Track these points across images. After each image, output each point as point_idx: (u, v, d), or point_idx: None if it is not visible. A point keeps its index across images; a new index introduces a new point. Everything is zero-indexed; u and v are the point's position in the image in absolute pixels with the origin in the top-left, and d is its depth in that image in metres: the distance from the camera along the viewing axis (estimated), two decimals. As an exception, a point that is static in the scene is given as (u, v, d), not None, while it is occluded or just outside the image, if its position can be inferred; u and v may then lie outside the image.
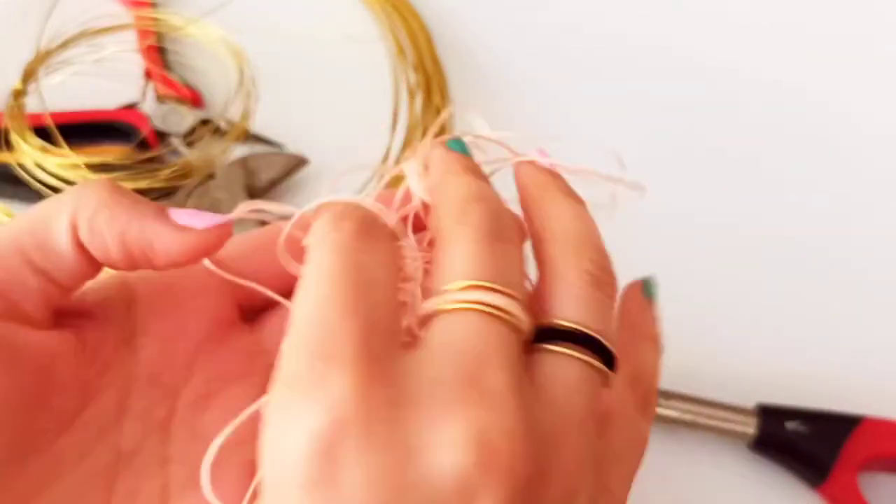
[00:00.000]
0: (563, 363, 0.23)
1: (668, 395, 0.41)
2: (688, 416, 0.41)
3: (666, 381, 0.42)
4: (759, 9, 0.55)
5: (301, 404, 0.20)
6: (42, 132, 0.43)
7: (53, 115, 0.43)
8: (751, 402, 0.42)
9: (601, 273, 0.25)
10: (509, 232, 0.24)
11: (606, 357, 0.24)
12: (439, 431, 0.20)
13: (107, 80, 0.45)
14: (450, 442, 0.20)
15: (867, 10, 0.56)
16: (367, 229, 0.24)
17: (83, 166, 0.42)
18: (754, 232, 0.48)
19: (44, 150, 0.43)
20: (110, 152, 0.45)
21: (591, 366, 0.24)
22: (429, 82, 0.49)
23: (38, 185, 0.42)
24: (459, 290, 0.23)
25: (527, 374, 0.23)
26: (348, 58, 0.50)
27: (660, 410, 0.41)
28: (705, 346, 0.44)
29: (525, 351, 0.23)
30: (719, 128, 0.51)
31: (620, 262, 0.47)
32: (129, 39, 0.48)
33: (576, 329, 0.24)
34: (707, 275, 0.46)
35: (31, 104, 0.44)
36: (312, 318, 0.22)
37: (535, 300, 0.25)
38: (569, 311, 0.24)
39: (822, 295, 0.46)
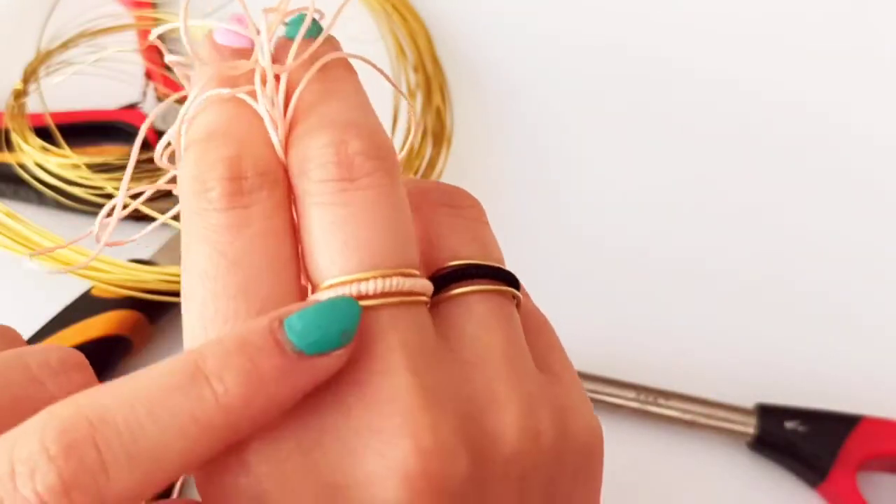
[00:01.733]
0: (466, 306, 0.22)
1: (668, 395, 0.41)
2: (687, 416, 0.41)
3: (666, 381, 0.42)
4: (761, 20, 0.55)
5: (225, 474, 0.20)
6: (42, 132, 0.43)
7: (54, 115, 0.43)
8: (750, 401, 0.42)
9: (451, 201, 0.23)
10: (369, 178, 0.21)
11: (504, 279, 0.23)
12: (361, 467, 0.19)
13: (107, 80, 0.45)
14: (376, 479, 0.19)
15: (868, 24, 0.56)
16: (237, 190, 0.20)
17: (83, 166, 0.42)
18: (754, 232, 0.48)
19: (44, 150, 0.43)
20: (110, 152, 0.45)
21: (493, 292, 0.22)
22: (429, 82, 0.49)
23: (39, 185, 0.42)
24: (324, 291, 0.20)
25: (441, 334, 0.21)
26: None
27: (660, 410, 0.41)
28: (705, 346, 0.44)
29: (432, 306, 0.22)
30: (718, 136, 0.51)
31: (621, 262, 0.47)
32: (130, 39, 0.48)
33: (463, 265, 0.22)
34: (707, 275, 0.46)
35: (32, 104, 0.44)
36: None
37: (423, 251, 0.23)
38: (448, 250, 0.22)
39: (821, 295, 0.46)
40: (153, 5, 0.50)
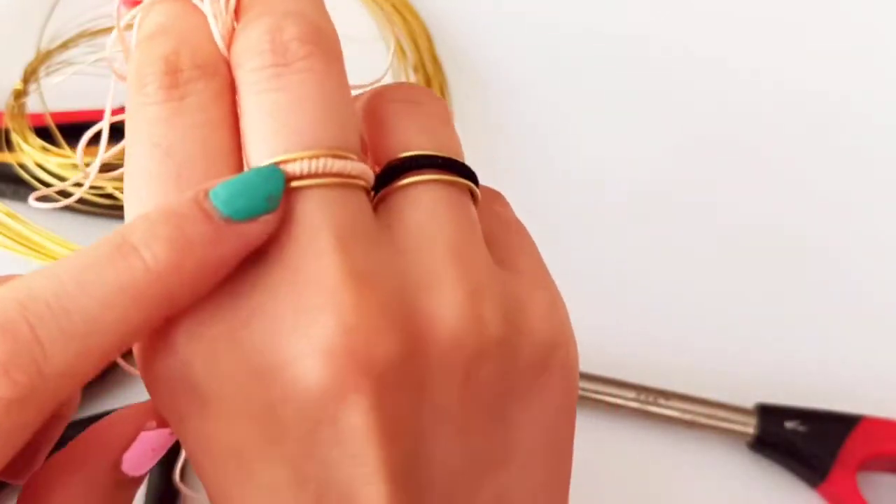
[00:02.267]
0: (414, 196, 0.21)
1: (668, 395, 0.41)
2: (687, 416, 0.41)
3: (666, 381, 0.42)
4: (766, 6, 0.55)
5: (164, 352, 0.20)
6: (43, 132, 0.43)
7: (54, 115, 0.43)
8: (750, 401, 0.42)
9: (410, 97, 0.23)
10: (304, 62, 0.20)
11: (458, 171, 0.22)
12: (287, 348, 0.19)
13: (107, 79, 0.45)
14: (300, 358, 0.19)
15: (872, 5, 0.56)
16: (171, 83, 0.20)
17: (83, 166, 0.42)
18: (754, 231, 0.48)
19: (44, 150, 0.43)
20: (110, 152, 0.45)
21: (445, 182, 0.21)
22: (429, 82, 0.49)
23: (39, 185, 0.42)
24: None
25: (384, 224, 0.21)
26: (348, 58, 0.49)
27: (660, 410, 0.41)
28: (705, 346, 0.44)
29: (378, 199, 0.21)
30: (722, 127, 0.51)
31: (621, 262, 0.47)
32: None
33: (413, 156, 0.22)
34: (706, 274, 0.46)
35: (32, 104, 0.44)
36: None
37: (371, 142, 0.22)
38: (399, 142, 0.22)
39: (821, 295, 0.46)
40: (153, 5, 0.50)
